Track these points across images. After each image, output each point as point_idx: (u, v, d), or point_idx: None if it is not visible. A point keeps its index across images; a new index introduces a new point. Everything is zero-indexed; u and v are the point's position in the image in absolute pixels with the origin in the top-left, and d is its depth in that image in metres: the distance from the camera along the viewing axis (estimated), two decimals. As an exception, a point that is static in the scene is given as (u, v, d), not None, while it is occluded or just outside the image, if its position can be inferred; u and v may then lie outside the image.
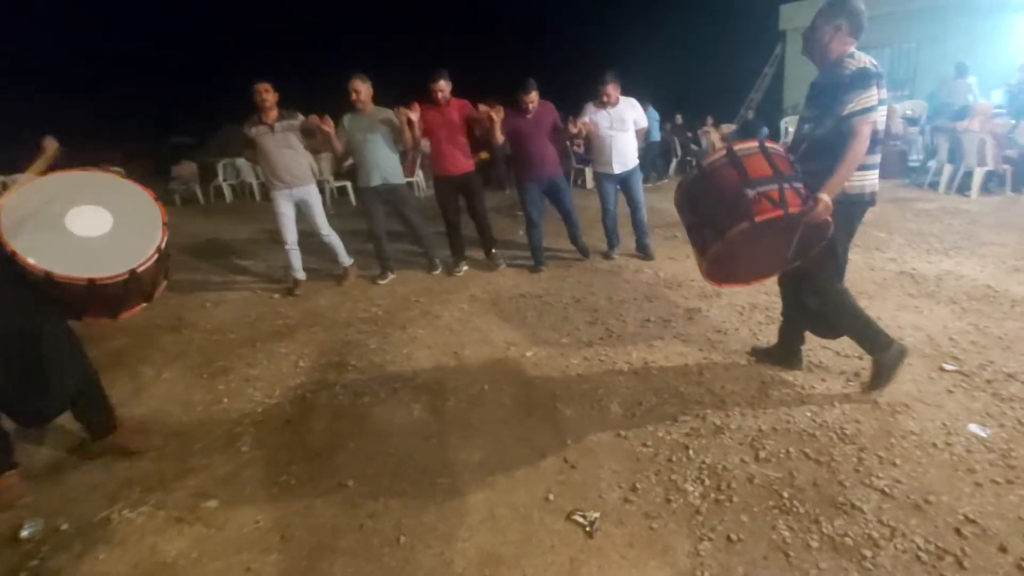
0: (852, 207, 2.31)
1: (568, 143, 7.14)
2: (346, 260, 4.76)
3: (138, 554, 1.86)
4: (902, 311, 3.34)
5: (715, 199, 2.26)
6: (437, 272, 4.82)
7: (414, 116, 4.22)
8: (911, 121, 8.76)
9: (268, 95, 4.10)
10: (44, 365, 2.12)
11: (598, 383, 2.80)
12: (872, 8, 2.43)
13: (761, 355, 2.93)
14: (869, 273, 4.04)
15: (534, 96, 4.41)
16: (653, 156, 9.24)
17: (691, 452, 2.19)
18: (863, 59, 2.17)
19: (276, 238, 4.67)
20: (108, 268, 2.06)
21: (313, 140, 4.42)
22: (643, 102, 4.96)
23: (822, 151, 2.22)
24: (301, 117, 4.27)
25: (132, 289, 2.19)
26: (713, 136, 10.02)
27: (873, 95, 2.12)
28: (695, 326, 3.39)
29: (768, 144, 2.28)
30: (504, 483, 2.11)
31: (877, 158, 2.29)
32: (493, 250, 4.92)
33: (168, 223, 2.34)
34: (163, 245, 2.19)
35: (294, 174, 4.30)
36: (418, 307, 4.09)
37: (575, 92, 5.27)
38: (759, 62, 12.99)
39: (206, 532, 1.96)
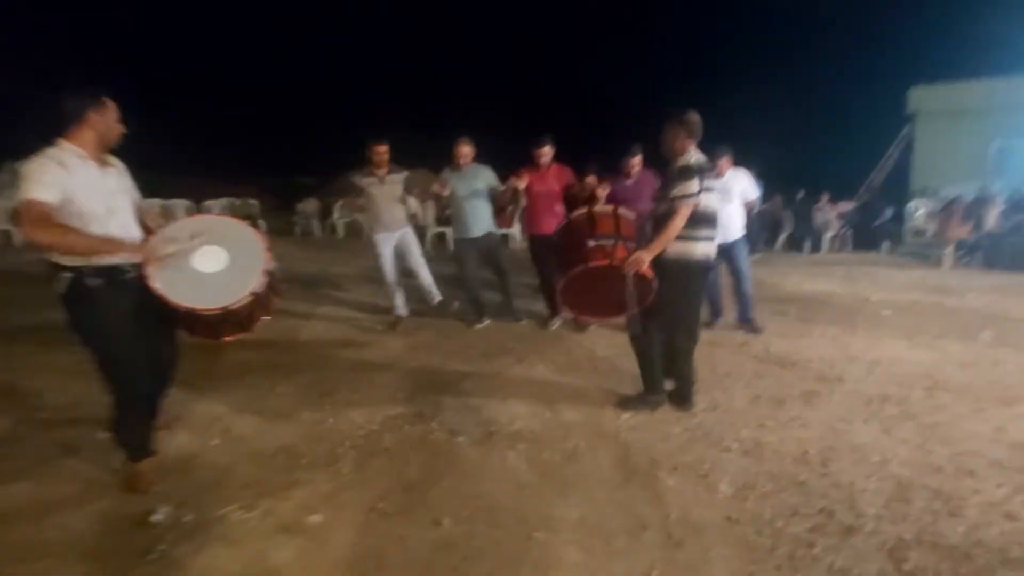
0: (684, 269, 2.89)
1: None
2: (401, 310, 4.92)
3: (248, 556, 1.95)
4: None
5: (569, 244, 3.09)
6: (523, 322, 4.84)
7: (521, 185, 4.43)
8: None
9: (382, 156, 4.51)
10: (173, 363, 2.56)
11: (703, 457, 2.62)
12: None
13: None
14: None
15: (638, 161, 4.46)
16: (759, 228, 8.91)
17: (817, 551, 1.96)
18: (691, 158, 2.84)
19: (379, 276, 4.97)
20: (208, 301, 2.29)
21: (412, 194, 4.79)
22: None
23: (662, 223, 2.85)
24: (406, 172, 4.67)
25: (228, 320, 2.41)
26: (829, 214, 9.52)
27: (693, 185, 2.77)
28: (814, 411, 3.11)
29: (621, 210, 3.12)
30: (603, 549, 1.99)
31: (709, 232, 2.91)
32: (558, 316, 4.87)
33: (271, 270, 2.48)
34: (258, 289, 2.38)
35: (395, 220, 4.65)
36: (513, 354, 4.12)
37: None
38: (884, 142, 12.33)
39: (309, 546, 2.01)
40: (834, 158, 13.96)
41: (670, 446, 2.73)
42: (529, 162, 4.54)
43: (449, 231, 9.99)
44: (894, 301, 5.72)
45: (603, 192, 4.35)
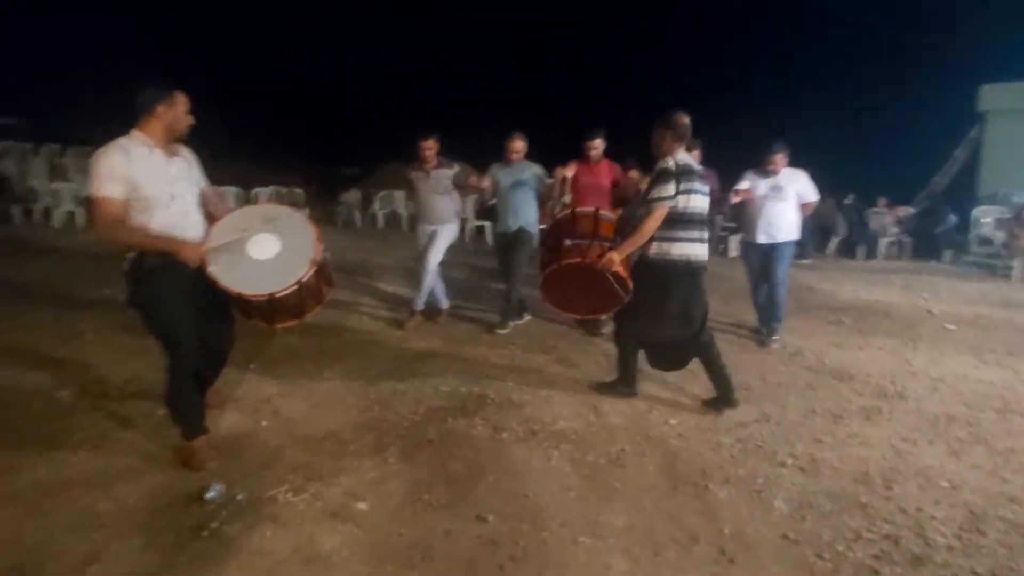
0: (662, 269, 2.94)
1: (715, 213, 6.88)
2: (418, 303, 4.66)
3: (298, 539, 1.97)
4: None
5: (550, 243, 3.25)
6: (504, 331, 4.50)
7: (569, 174, 4.32)
8: None
9: (430, 151, 4.48)
10: (227, 345, 2.62)
11: (756, 471, 2.51)
12: None
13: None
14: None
15: (695, 156, 4.31)
16: (810, 232, 8.56)
17: (882, 579, 1.85)
18: (671, 160, 2.87)
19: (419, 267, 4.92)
20: (256, 288, 2.31)
21: (462, 189, 4.73)
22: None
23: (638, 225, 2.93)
24: (456, 168, 4.61)
25: (279, 307, 2.44)
26: (887, 218, 9.06)
27: (669, 188, 2.83)
28: (875, 428, 2.95)
29: (602, 211, 3.22)
30: (650, 559, 1.93)
31: (689, 234, 2.91)
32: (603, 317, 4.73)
33: (318, 260, 2.44)
34: (304, 279, 2.38)
35: (439, 215, 4.61)
36: (555, 352, 4.07)
37: (739, 159, 5.01)
38: (949, 143, 11.60)
39: (356, 533, 2.02)
40: (893, 159, 13.21)
41: (721, 457, 2.64)
42: (579, 155, 4.45)
43: (488, 225, 10.03)
44: (958, 314, 5.39)
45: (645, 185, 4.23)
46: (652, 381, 3.46)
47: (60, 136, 12.66)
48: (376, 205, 12.42)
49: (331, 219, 12.67)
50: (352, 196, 13.05)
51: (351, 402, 3.13)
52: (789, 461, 2.60)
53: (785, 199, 4.31)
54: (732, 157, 5.04)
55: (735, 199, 4.28)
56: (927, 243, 8.89)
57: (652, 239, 2.92)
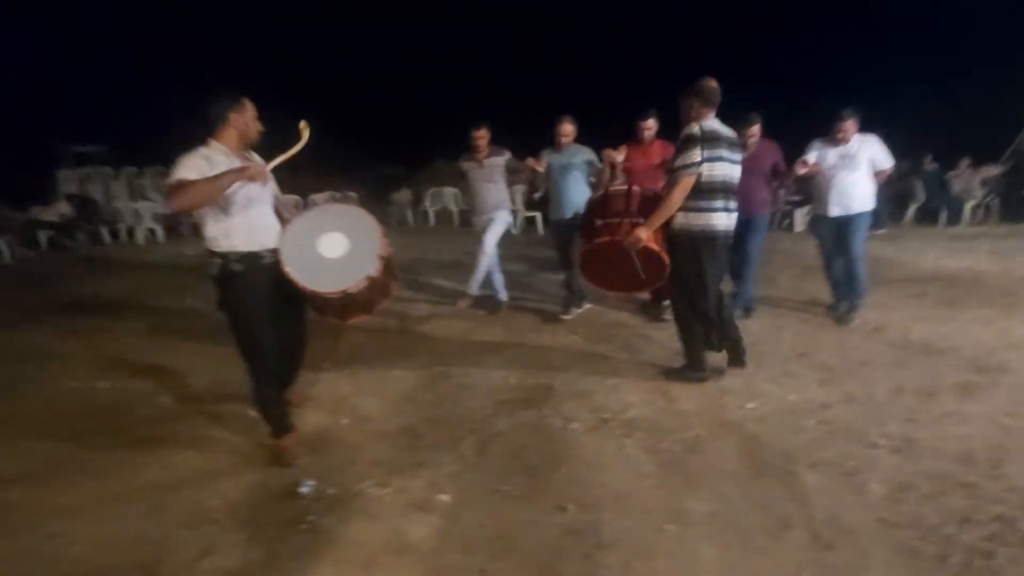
0: (690, 241, 2.90)
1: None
2: (472, 287, 4.81)
3: (388, 531, 2.06)
4: None
5: (584, 224, 3.29)
6: (568, 318, 4.54)
7: (619, 158, 4.21)
8: None
9: (482, 140, 4.51)
10: (303, 344, 2.74)
11: (846, 453, 2.40)
12: None
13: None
14: None
15: (755, 131, 4.11)
16: (884, 200, 8.02)
17: (999, 562, 1.73)
18: (696, 126, 2.80)
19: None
20: (330, 285, 2.40)
21: (515, 175, 4.73)
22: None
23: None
24: (508, 154, 4.60)
25: (352, 303, 2.53)
26: (971, 180, 8.36)
27: (695, 154, 2.76)
28: (975, 404, 2.75)
29: (634, 188, 3.13)
30: (740, 546, 1.89)
31: (712, 203, 2.85)
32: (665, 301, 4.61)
33: (385, 255, 2.52)
34: (374, 274, 2.45)
35: (493, 204, 4.65)
36: (617, 339, 4.03)
37: (806, 128, 4.70)
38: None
39: (442, 524, 2.09)
40: (974, 117, 12.08)
41: (805, 440, 2.54)
42: (631, 137, 4.35)
43: (539, 215, 10.02)
44: (1061, 279, 4.91)
45: None
46: (719, 363, 3.36)
47: (136, 159, 13.61)
48: (427, 203, 12.63)
49: (383, 219, 12.88)
50: (403, 195, 13.35)
51: (421, 398, 3.22)
52: (881, 442, 2.47)
53: (857, 168, 4.06)
54: (798, 128, 4.76)
55: (801, 171, 4.07)
56: (1017, 204, 8.14)
57: (678, 209, 2.89)
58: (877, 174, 4.14)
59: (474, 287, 4.82)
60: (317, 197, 12.50)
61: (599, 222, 3.10)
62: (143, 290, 6.47)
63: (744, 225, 4.10)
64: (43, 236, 10.26)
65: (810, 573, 1.74)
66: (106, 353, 4.20)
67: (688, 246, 2.92)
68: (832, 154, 4.10)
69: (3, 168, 12.06)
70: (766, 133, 4.17)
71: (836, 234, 4.15)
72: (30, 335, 4.78)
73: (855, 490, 2.15)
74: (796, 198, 8.05)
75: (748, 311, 4.31)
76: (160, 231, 11.18)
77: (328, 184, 14.44)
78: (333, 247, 2.49)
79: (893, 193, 8.34)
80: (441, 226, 12.08)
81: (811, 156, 4.14)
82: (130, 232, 11.27)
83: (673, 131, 4.37)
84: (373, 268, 2.45)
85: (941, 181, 8.63)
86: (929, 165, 8.91)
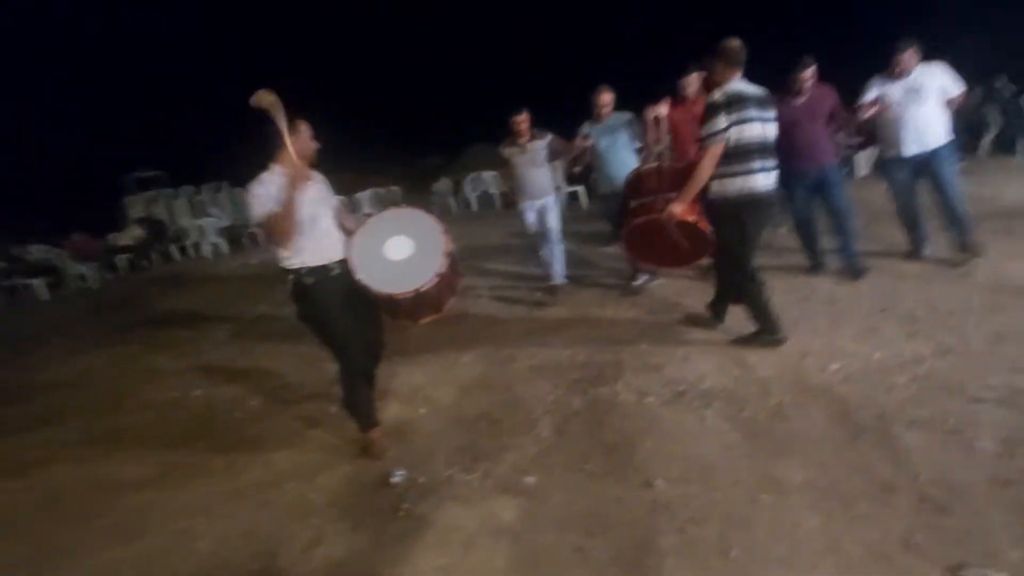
0: (730, 207, 2.88)
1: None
2: (559, 277, 4.77)
3: (481, 514, 2.13)
4: None
5: (622, 209, 3.33)
6: (637, 283, 4.48)
7: (663, 112, 4.03)
8: None
9: (523, 125, 4.45)
10: (381, 343, 2.79)
11: (946, 409, 2.27)
12: None
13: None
14: None
15: (810, 75, 3.84)
16: (956, 131, 7.39)
17: None
18: (718, 92, 2.79)
19: (527, 243, 5.01)
20: (402, 287, 2.48)
21: (562, 155, 4.64)
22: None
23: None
24: (550, 136, 4.52)
25: (423, 303, 2.60)
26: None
27: (719, 121, 2.74)
28: (1090, 347, 2.53)
29: (665, 164, 3.23)
30: (843, 513, 1.84)
31: (750, 166, 2.81)
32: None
33: (449, 252, 2.59)
34: (441, 270, 2.52)
35: (538, 188, 4.59)
36: (681, 310, 3.94)
37: (860, 67, 4.36)
38: None
39: (531, 505, 2.14)
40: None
41: (898, 398, 2.42)
42: (673, 95, 4.16)
43: (581, 189, 9.87)
44: None
45: None
46: (800, 328, 3.24)
47: (192, 178, 14.37)
48: (467, 189, 12.69)
49: (428, 210, 13.20)
50: (443, 184, 13.45)
51: (493, 382, 3.28)
52: (984, 395, 2.32)
53: (927, 100, 3.75)
54: (858, 69, 4.43)
55: (866, 114, 3.80)
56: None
57: (712, 177, 2.86)
58: (948, 102, 3.81)
59: (560, 275, 4.85)
60: (361, 196, 12.82)
61: (634, 203, 3.14)
62: (217, 301, 6.87)
63: (818, 180, 3.91)
64: (121, 260, 11.03)
65: (923, 537, 1.68)
66: (194, 363, 4.50)
67: (728, 213, 2.90)
68: (896, 89, 3.80)
69: (79, 202, 13.05)
70: (821, 77, 3.90)
71: (915, 174, 3.88)
72: (125, 351, 5.19)
73: (962, 448, 2.04)
74: (856, 141, 7.55)
75: (857, 271, 3.96)
76: (224, 244, 11.78)
77: (371, 182, 14.78)
78: (399, 250, 2.58)
79: (965, 123, 7.65)
80: (484, 211, 12.12)
81: (871, 94, 3.86)
82: (196, 247, 11.94)
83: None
84: (440, 265, 2.52)
85: (1017, 106, 7.84)
86: (1005, 88, 8.11)
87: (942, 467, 1.95)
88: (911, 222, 4.07)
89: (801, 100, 3.85)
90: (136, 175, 14.45)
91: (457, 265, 2.78)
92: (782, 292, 3.88)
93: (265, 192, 2.36)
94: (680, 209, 2.85)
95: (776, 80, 3.95)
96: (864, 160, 7.80)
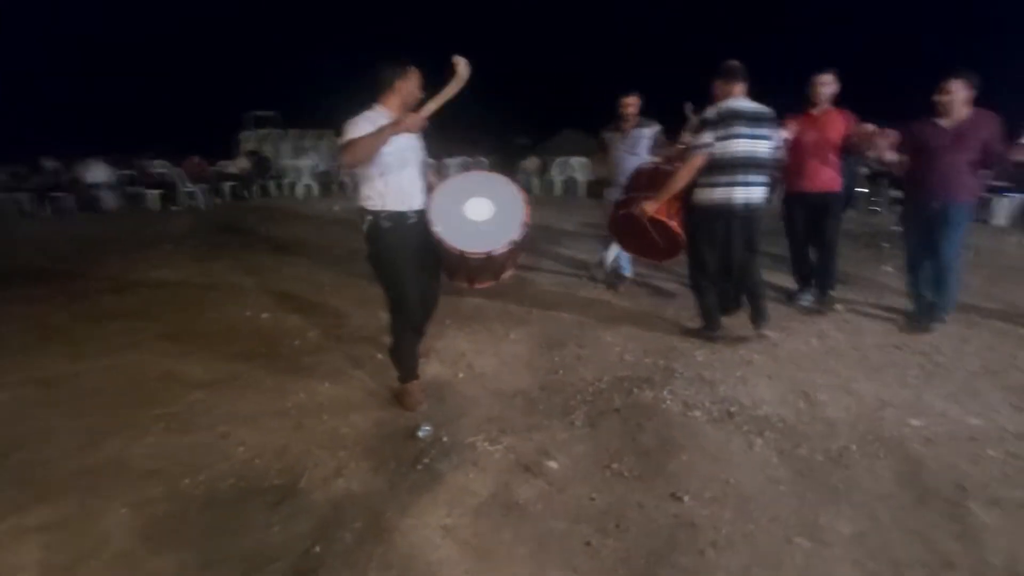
0: (706, 213, 3.14)
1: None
2: (626, 271, 4.64)
3: (496, 485, 2.10)
4: None
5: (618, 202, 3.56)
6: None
7: (790, 135, 3.71)
8: None
9: (631, 108, 4.25)
10: (436, 300, 2.85)
11: (1045, 497, 1.95)
12: None
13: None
14: None
15: (961, 94, 3.28)
16: None
17: None
18: (714, 108, 3.05)
19: (600, 235, 4.84)
20: (476, 247, 2.46)
21: (660, 151, 4.42)
22: None
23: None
24: (657, 126, 4.30)
25: (487, 267, 2.59)
26: None
27: (705, 136, 3.02)
28: None
29: (662, 165, 3.45)
30: (889, 579, 1.63)
31: (732, 178, 3.04)
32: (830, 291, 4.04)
33: (528, 223, 2.56)
34: (518, 239, 2.49)
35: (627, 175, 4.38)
36: (749, 327, 3.67)
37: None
38: None
39: (548, 489, 2.08)
40: None
41: (986, 472, 2.11)
42: (803, 105, 3.82)
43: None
44: None
45: (885, 140, 3.46)
46: (885, 376, 2.92)
47: (301, 122, 15.28)
48: (553, 172, 12.58)
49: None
50: (531, 163, 13.43)
51: (537, 364, 3.22)
52: (1099, 492, 1.97)
53: None
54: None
55: (1022, 156, 3.28)
56: None
57: (696, 185, 3.12)
58: None
59: (627, 268, 4.71)
60: (451, 162, 13.05)
61: (624, 196, 3.46)
62: (302, 238, 7.29)
63: (940, 216, 3.36)
64: (226, 187, 11.98)
65: (982, 629, 1.45)
66: (270, 288, 4.80)
67: (703, 218, 3.18)
68: None
69: (199, 130, 14.28)
70: (980, 102, 3.35)
71: None
72: (216, 267, 5.68)
73: (1055, 543, 1.74)
74: (999, 184, 6.66)
75: (919, 328, 3.54)
76: (316, 187, 12.48)
77: (460, 150, 15.00)
78: (479, 211, 2.58)
79: None
80: (566, 196, 11.97)
81: None
82: (291, 186, 12.73)
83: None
84: (517, 234, 2.50)
85: None
86: None
87: (1018, 556, 1.68)
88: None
89: (950, 123, 3.31)
90: (255, 113, 15.58)
91: (527, 239, 2.74)
92: (872, 335, 3.52)
93: (362, 124, 2.37)
94: (652, 207, 3.13)
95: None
96: (1005, 208, 6.87)
